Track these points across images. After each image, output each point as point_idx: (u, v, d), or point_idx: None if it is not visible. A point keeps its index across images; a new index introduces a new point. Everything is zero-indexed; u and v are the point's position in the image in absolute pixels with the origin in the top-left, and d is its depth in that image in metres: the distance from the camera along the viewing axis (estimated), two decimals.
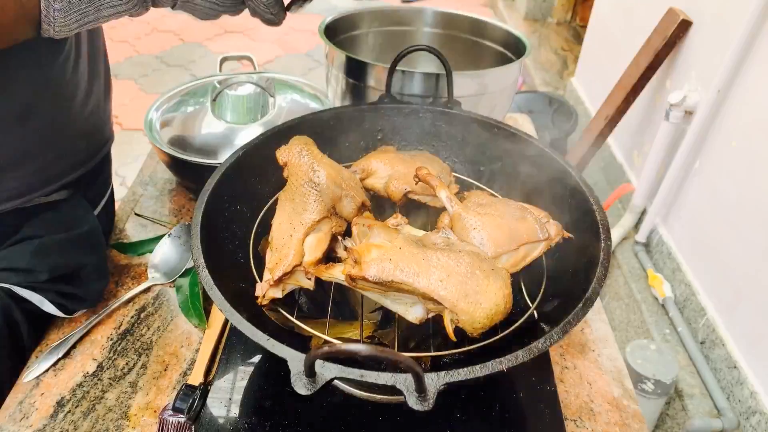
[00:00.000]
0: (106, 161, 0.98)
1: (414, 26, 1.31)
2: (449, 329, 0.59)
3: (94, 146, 0.92)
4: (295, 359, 0.48)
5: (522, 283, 0.71)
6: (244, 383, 0.74)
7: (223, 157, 0.88)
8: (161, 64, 3.81)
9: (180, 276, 0.92)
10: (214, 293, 0.56)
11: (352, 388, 0.69)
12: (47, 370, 0.77)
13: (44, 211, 0.84)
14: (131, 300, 0.88)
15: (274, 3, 0.63)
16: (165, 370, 0.79)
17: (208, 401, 0.71)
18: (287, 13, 0.67)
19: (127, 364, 0.79)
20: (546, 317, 0.65)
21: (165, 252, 0.95)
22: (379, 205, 0.82)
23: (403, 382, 0.46)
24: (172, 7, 0.61)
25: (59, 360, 0.79)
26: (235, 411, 0.70)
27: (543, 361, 0.79)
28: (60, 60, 0.79)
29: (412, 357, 0.44)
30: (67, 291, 0.82)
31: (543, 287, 0.69)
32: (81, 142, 0.88)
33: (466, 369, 0.48)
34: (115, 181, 1.05)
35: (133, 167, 2.68)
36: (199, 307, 0.86)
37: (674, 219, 1.94)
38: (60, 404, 0.74)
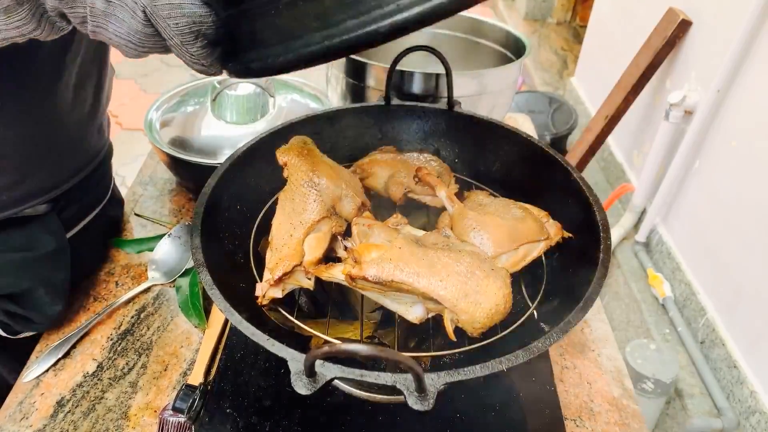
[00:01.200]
0: (96, 174, 0.91)
1: None
2: (449, 329, 0.59)
3: (77, 163, 0.86)
4: (295, 359, 0.48)
5: (522, 283, 0.71)
6: (244, 383, 0.74)
7: (223, 157, 0.88)
8: (161, 64, 3.81)
9: (180, 276, 0.92)
10: (214, 293, 0.56)
11: (352, 388, 0.69)
12: (47, 370, 0.77)
13: (9, 227, 0.79)
14: (131, 300, 0.88)
15: (206, 55, 0.49)
16: (165, 370, 0.79)
17: (208, 401, 0.71)
18: (224, 70, 0.54)
19: (127, 364, 0.79)
20: (546, 317, 0.65)
21: (165, 252, 0.95)
22: (379, 205, 0.82)
23: (403, 382, 0.46)
24: (89, 35, 0.49)
25: (59, 360, 0.79)
26: (235, 411, 0.70)
27: (543, 361, 0.79)
28: (39, 76, 0.73)
29: (412, 357, 0.44)
30: (14, 311, 0.79)
31: (543, 287, 0.69)
32: (63, 159, 0.82)
33: (466, 369, 0.48)
34: (116, 181, 1.04)
35: (133, 167, 2.68)
36: (199, 307, 0.86)
37: (674, 219, 1.94)
38: (60, 404, 0.74)
